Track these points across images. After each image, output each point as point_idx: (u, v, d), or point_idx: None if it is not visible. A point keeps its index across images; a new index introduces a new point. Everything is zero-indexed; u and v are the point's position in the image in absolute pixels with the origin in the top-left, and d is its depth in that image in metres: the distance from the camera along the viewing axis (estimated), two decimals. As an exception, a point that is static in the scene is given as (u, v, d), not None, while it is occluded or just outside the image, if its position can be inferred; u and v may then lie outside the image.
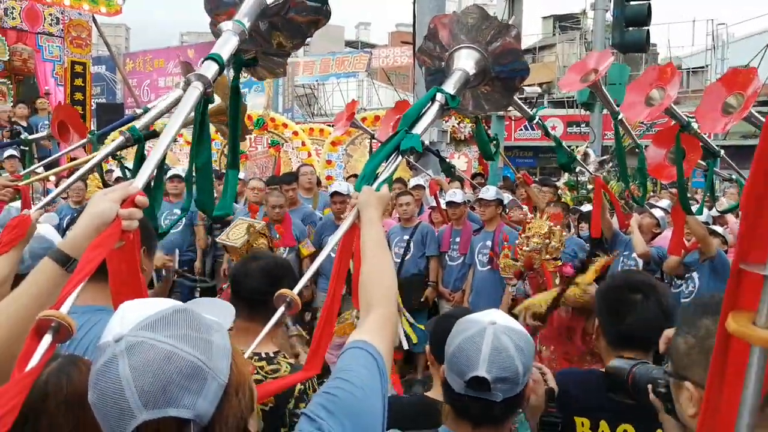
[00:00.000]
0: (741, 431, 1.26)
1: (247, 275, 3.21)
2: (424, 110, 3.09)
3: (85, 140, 4.71)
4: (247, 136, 14.98)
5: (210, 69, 2.45)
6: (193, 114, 2.48)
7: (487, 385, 2.24)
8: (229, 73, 2.93)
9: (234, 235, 6.80)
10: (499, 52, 3.38)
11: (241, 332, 2.90)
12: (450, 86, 3.20)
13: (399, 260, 8.20)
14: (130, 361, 1.33)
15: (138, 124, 3.15)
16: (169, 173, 8.89)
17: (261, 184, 8.88)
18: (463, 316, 3.20)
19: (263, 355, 2.94)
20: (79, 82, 17.09)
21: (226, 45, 2.58)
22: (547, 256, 5.27)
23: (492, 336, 2.29)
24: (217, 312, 1.65)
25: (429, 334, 3.28)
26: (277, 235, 6.10)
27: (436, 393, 3.10)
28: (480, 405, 2.28)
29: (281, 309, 2.31)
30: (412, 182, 9.98)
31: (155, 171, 2.25)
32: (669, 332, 1.89)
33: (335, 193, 8.19)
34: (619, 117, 5.08)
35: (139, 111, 4.81)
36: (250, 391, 1.50)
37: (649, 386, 1.93)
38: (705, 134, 4.89)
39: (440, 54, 3.50)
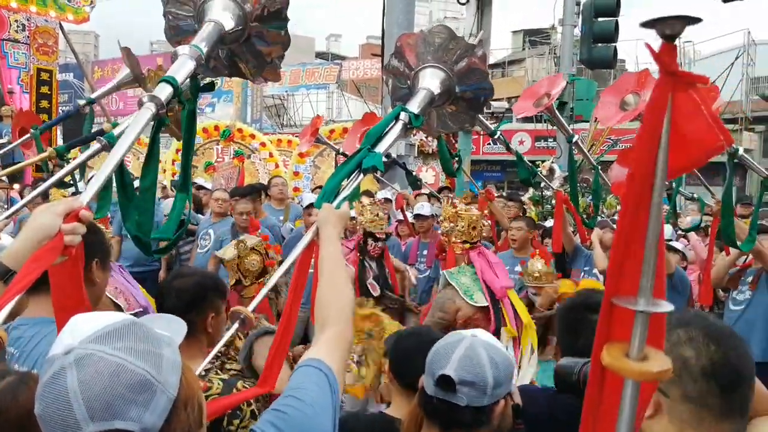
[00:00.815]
0: None
1: (168, 293, 3.20)
2: (387, 128, 3.11)
3: (27, 135, 4.68)
4: (215, 147, 14.92)
5: (164, 91, 2.45)
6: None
7: (452, 385, 2.30)
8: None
9: (230, 250, 6.80)
10: (464, 72, 3.40)
11: None
12: (414, 105, 3.22)
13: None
14: (79, 374, 1.32)
15: (115, 132, 3.12)
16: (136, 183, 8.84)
17: (225, 195, 8.86)
18: (426, 333, 3.23)
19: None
20: (45, 89, 16.89)
21: (182, 68, 2.58)
22: (455, 239, 5.36)
23: (468, 344, 2.39)
24: (169, 327, 1.63)
25: (390, 352, 3.30)
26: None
27: (394, 410, 3.11)
28: (446, 407, 2.33)
29: (234, 326, 2.30)
30: (379, 195, 10.01)
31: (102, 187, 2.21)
32: None
33: (310, 206, 8.22)
34: (574, 139, 5.17)
35: (81, 101, 4.78)
36: (199, 406, 1.48)
37: None
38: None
39: (406, 72, 3.51)
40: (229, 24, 2.79)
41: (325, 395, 1.84)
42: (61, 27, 17.82)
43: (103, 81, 34.50)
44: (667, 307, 1.25)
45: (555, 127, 18.97)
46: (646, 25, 1.20)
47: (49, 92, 17.02)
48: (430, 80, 3.34)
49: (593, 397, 1.46)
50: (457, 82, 3.40)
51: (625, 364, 1.27)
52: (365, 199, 7.15)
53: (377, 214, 6.88)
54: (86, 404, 1.30)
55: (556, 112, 5.04)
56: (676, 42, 1.22)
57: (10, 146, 5.33)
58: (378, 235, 6.90)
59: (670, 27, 1.20)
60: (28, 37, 16.85)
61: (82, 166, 4.04)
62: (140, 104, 2.41)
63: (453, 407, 2.33)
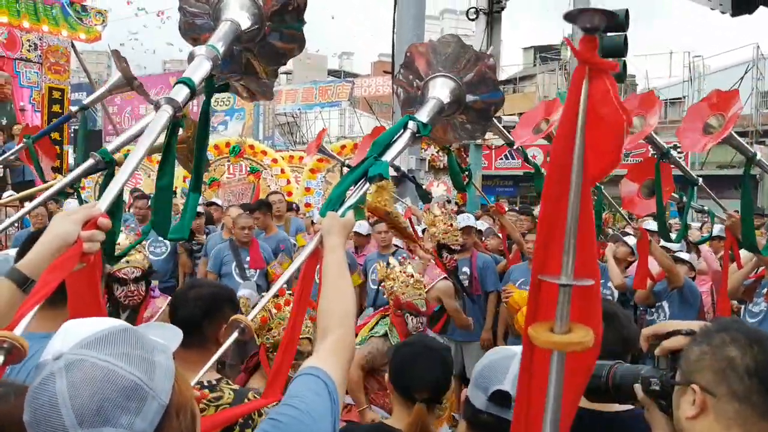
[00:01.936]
0: (547, 427, 1.39)
1: (183, 303, 3.20)
2: (395, 137, 3.09)
3: (21, 145, 4.68)
4: (226, 164, 14.96)
5: (180, 93, 2.44)
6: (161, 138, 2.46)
7: (508, 400, 2.29)
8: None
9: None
10: (474, 82, 3.39)
11: (177, 361, 2.84)
12: (423, 114, 3.20)
13: (376, 287, 8.13)
14: (68, 379, 1.30)
15: (109, 147, 3.10)
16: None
17: (241, 211, 8.87)
18: (421, 343, 3.22)
19: (205, 383, 2.90)
20: (56, 108, 17.00)
21: (198, 69, 2.56)
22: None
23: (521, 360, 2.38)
24: (164, 334, 1.62)
25: (390, 362, 3.30)
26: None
27: (395, 421, 3.11)
28: (497, 422, 2.33)
29: (234, 335, 2.29)
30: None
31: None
32: (647, 331, 2.02)
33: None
34: None
35: (74, 108, 4.75)
36: (191, 414, 1.47)
37: (637, 385, 1.98)
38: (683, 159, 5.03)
39: (416, 82, 3.49)
40: (245, 23, 2.78)
41: (324, 403, 1.83)
42: (73, 46, 17.99)
43: (116, 100, 34.70)
44: (588, 282, 1.35)
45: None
46: (567, 17, 1.35)
47: (60, 111, 17.13)
48: (440, 90, 3.33)
49: (524, 374, 1.55)
50: (468, 92, 3.38)
51: (550, 337, 1.36)
52: (436, 209, 6.99)
53: (451, 225, 6.68)
54: (75, 410, 1.28)
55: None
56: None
57: (5, 156, 5.33)
58: (453, 247, 6.77)
59: (589, 20, 1.35)
60: (40, 56, 16.98)
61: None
62: (157, 107, 2.39)
63: (504, 422, 2.28)
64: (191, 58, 2.63)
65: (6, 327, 1.62)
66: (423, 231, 8.34)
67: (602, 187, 5.96)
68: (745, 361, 1.70)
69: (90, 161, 2.98)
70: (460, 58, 3.35)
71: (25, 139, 4.79)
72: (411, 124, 3.11)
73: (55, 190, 3.00)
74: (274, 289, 2.62)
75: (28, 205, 3.45)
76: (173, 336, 1.71)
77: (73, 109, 4.81)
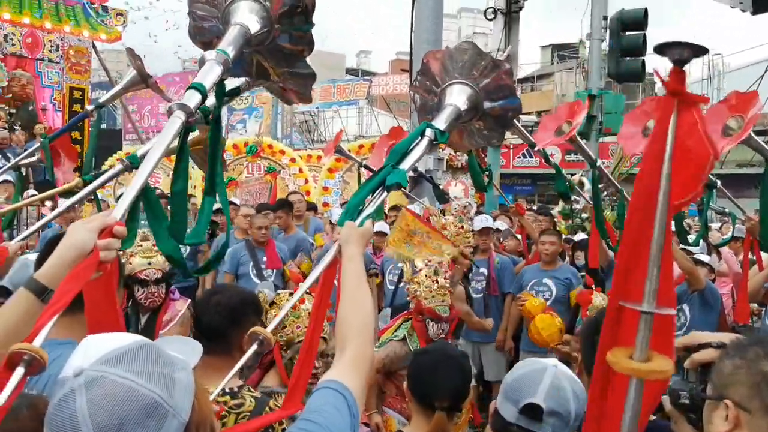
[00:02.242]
0: None
1: (207, 310, 3.19)
2: (413, 145, 3.08)
3: (37, 145, 4.69)
4: (245, 163, 14.99)
5: (192, 98, 2.44)
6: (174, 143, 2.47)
7: (540, 413, 2.31)
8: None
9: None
10: (491, 89, 3.38)
11: (200, 368, 2.85)
12: (441, 121, 3.20)
13: (393, 287, 8.16)
14: (88, 396, 1.31)
15: (139, 152, 3.13)
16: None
17: (252, 211, 8.86)
18: (440, 350, 3.21)
19: (227, 390, 2.90)
20: (77, 107, 17.08)
21: (209, 74, 2.57)
22: None
23: (554, 374, 2.42)
24: (184, 349, 1.62)
25: (408, 370, 3.30)
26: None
27: (414, 428, 3.11)
28: None
29: (253, 347, 2.29)
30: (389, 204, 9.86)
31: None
32: (677, 343, 1.94)
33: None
34: (597, 164, 5.17)
35: (89, 107, 4.75)
36: (211, 430, 1.47)
37: (665, 396, 1.96)
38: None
39: (433, 89, 3.49)
40: (254, 26, 2.78)
41: (344, 418, 1.83)
42: (94, 46, 18.10)
43: (136, 99, 34.88)
44: (670, 311, 1.34)
45: (584, 141, 18.93)
46: (657, 50, 1.35)
47: (81, 110, 17.19)
48: (457, 96, 3.33)
49: (595, 398, 1.54)
50: (485, 98, 3.38)
51: (630, 364, 1.37)
52: (449, 216, 6.94)
53: (462, 227, 6.59)
54: (96, 427, 1.29)
55: (579, 140, 5.04)
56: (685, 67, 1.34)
57: (17, 160, 5.36)
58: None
59: (678, 53, 1.34)
60: (61, 56, 17.09)
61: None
62: (170, 112, 2.40)
63: None
64: (202, 62, 2.64)
65: (25, 338, 1.62)
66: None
67: (623, 190, 5.93)
68: None
69: (119, 166, 3.01)
70: (477, 65, 3.35)
71: (41, 139, 4.80)
72: (428, 132, 3.10)
73: (82, 194, 3.02)
74: (292, 301, 2.61)
75: (50, 212, 3.46)
76: (193, 350, 1.71)
77: (89, 108, 4.82)
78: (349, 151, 15.69)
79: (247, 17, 2.76)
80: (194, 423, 1.40)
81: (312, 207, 11.52)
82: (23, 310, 1.77)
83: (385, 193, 2.86)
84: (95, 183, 3.18)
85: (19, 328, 1.73)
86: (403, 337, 4.95)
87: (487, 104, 3.39)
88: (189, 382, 1.43)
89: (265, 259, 7.92)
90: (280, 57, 2.96)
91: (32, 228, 3.52)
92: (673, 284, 6.27)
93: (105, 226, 1.89)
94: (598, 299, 5.55)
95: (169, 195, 2.71)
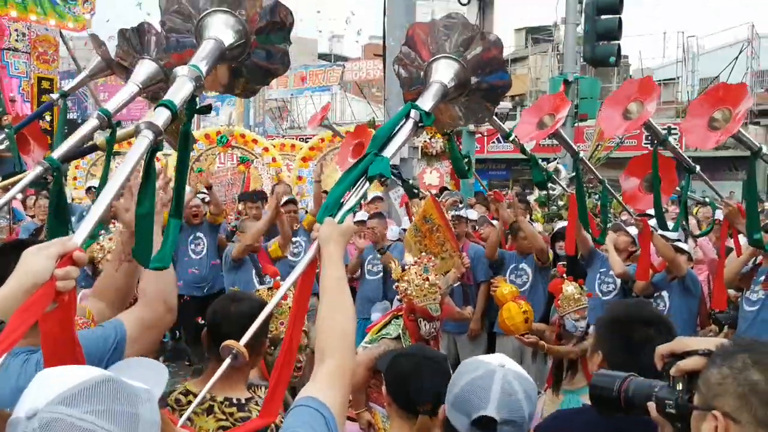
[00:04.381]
0: None
1: (226, 319, 3.09)
2: (396, 128, 2.89)
3: (2, 136, 4.59)
4: (217, 153, 14.82)
5: (161, 116, 2.32)
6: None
7: (494, 426, 2.25)
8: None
9: None
10: (479, 63, 3.18)
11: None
12: (426, 101, 2.98)
13: (374, 278, 8.26)
14: None
15: (55, 155, 2.94)
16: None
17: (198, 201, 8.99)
18: (420, 354, 3.15)
19: (234, 401, 2.85)
20: (46, 98, 16.85)
21: (180, 91, 2.45)
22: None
23: (502, 378, 2.32)
24: (148, 375, 1.51)
25: (385, 374, 3.21)
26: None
27: None
28: None
29: (226, 362, 2.20)
30: (370, 196, 9.79)
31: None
32: (662, 349, 1.91)
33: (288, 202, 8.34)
34: (579, 156, 5.12)
35: (54, 96, 4.65)
36: None
37: (651, 403, 1.89)
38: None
39: (417, 61, 3.32)
40: (229, 40, 2.68)
41: None
42: (62, 35, 17.84)
43: (106, 86, 34.41)
44: None
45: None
46: None
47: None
48: (444, 72, 3.12)
49: None
50: (472, 73, 3.18)
51: None
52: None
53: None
54: None
55: (562, 134, 5.01)
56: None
57: None
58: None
59: None
60: (28, 45, 16.84)
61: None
62: (137, 132, 2.28)
63: None
64: (173, 78, 2.52)
65: None
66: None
67: (604, 180, 5.89)
68: None
69: (39, 168, 2.81)
70: (464, 38, 3.14)
71: (6, 130, 4.68)
72: (413, 113, 2.90)
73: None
74: (268, 309, 2.47)
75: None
76: (158, 374, 1.60)
77: (54, 96, 4.68)
78: (321, 140, 15.62)
79: (221, 31, 2.66)
80: None
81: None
82: None
83: (368, 185, 2.68)
84: (13, 191, 2.98)
85: None
86: (398, 336, 4.85)
87: (475, 79, 3.20)
88: (153, 416, 1.34)
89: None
90: (256, 73, 2.86)
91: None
92: (657, 268, 6.29)
93: (65, 252, 1.73)
94: (570, 288, 5.49)
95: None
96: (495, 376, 2.32)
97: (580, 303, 5.46)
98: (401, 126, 2.90)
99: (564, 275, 5.82)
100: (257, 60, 2.82)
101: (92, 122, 2.92)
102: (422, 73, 3.24)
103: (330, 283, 2.21)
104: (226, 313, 3.14)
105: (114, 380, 1.33)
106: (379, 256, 8.10)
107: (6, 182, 5.28)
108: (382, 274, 8.23)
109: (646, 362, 2.63)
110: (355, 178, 2.69)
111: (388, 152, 2.78)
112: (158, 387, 1.48)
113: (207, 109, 2.87)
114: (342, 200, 2.62)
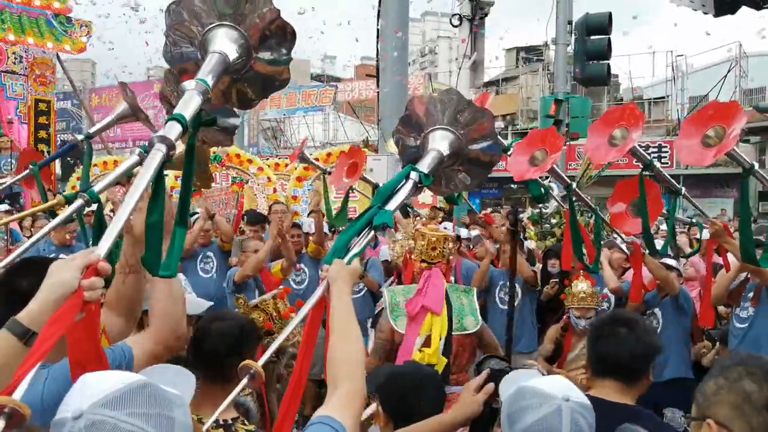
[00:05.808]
0: None
1: (206, 337, 3.18)
2: (398, 187, 3.13)
3: (26, 171, 4.66)
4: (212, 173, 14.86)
5: (173, 130, 2.41)
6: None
7: None
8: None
9: None
10: (473, 136, 3.42)
11: (200, 395, 2.80)
12: (424, 165, 3.23)
13: (356, 296, 8.23)
14: None
15: (96, 188, 3.06)
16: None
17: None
18: (417, 373, 3.21)
19: (221, 422, 2.88)
20: (43, 119, 16.91)
21: (190, 104, 2.54)
22: (415, 257, 5.23)
23: (570, 415, 2.25)
24: (177, 381, 1.61)
25: (380, 393, 3.24)
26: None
27: None
28: None
29: (244, 381, 2.24)
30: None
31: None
32: None
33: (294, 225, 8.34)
34: (573, 188, 5.25)
35: (79, 137, 4.75)
36: None
37: None
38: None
39: (416, 134, 3.52)
40: (233, 54, 2.77)
41: None
42: (59, 57, 17.90)
43: (101, 108, 34.54)
44: None
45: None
46: None
47: (47, 122, 17.05)
48: (440, 142, 3.36)
49: None
50: (466, 144, 3.41)
51: None
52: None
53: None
54: None
55: (557, 170, 5.12)
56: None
57: (8, 183, 5.34)
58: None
59: None
60: (26, 68, 16.88)
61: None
62: (150, 145, 2.36)
63: None
64: (181, 93, 2.61)
65: (6, 388, 1.55)
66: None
67: (597, 208, 6.04)
68: (763, 395, 1.69)
69: (79, 201, 2.94)
70: (460, 113, 3.40)
71: (31, 166, 4.77)
72: (413, 175, 3.15)
73: (43, 233, 3.00)
74: (281, 338, 2.56)
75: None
76: (187, 381, 1.70)
77: (79, 137, 4.76)
78: (316, 159, 15.70)
79: (225, 45, 2.75)
80: None
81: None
82: (5, 353, 1.72)
83: (372, 233, 2.90)
84: (54, 222, 3.12)
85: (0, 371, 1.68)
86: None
87: (468, 150, 3.43)
88: (186, 420, 1.45)
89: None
90: (259, 83, 2.96)
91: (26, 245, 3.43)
92: (648, 287, 6.36)
93: (89, 263, 1.82)
94: (580, 286, 5.81)
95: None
96: (562, 414, 2.24)
97: (583, 302, 5.59)
98: (402, 185, 3.16)
99: (582, 271, 6.04)
100: (259, 69, 2.89)
101: (133, 158, 3.04)
102: (419, 143, 3.46)
103: (339, 316, 2.35)
104: (208, 330, 3.22)
105: (151, 385, 1.44)
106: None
107: (25, 213, 5.35)
108: (365, 290, 8.38)
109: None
110: (360, 227, 2.92)
111: (390, 206, 3.02)
112: (188, 393, 1.57)
113: (212, 122, 2.96)
114: (349, 246, 2.82)
